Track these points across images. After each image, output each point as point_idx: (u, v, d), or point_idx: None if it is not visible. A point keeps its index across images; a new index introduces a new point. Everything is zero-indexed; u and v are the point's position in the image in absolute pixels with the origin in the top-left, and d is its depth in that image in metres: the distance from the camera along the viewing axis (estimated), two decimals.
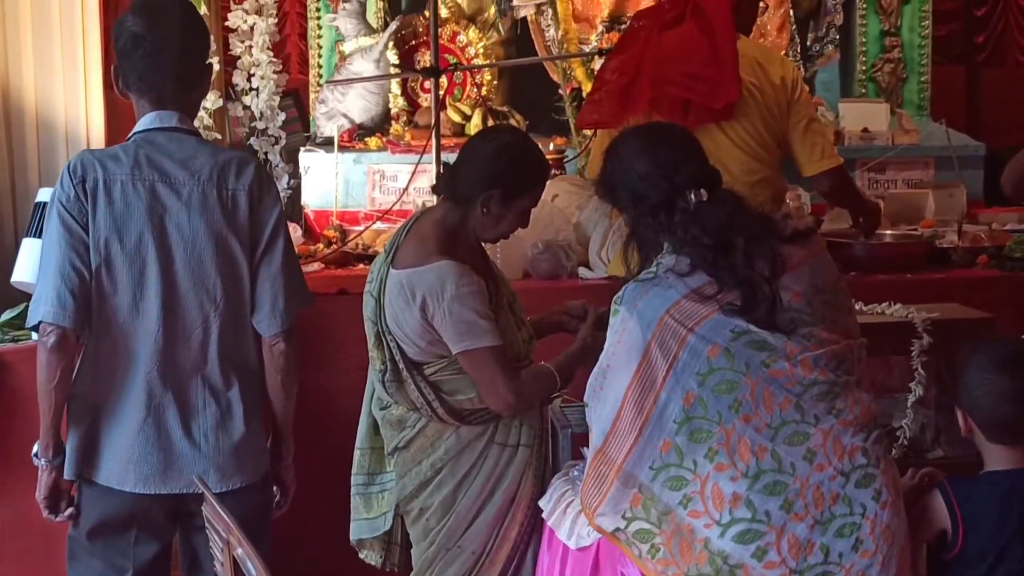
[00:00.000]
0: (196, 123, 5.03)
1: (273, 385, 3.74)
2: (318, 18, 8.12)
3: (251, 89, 5.07)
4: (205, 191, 3.58)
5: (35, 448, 3.65)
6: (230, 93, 5.51)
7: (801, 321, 3.22)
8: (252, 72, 5.09)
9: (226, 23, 5.11)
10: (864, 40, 8.38)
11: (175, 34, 3.60)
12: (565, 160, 6.91)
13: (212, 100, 4.98)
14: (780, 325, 3.19)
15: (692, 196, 3.31)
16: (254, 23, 5.06)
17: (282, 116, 5.09)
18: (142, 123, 3.66)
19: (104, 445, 3.61)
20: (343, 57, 7.76)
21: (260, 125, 5.09)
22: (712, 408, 3.16)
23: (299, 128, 8.04)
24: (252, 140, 5.15)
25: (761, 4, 5.39)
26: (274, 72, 5.05)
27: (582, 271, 5.74)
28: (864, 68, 8.38)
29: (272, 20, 5.12)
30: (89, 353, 3.62)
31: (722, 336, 3.18)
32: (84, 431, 3.62)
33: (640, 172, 3.39)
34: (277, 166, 5.15)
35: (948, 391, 3.47)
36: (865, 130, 7.64)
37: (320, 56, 8.11)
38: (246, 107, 5.12)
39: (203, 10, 4.96)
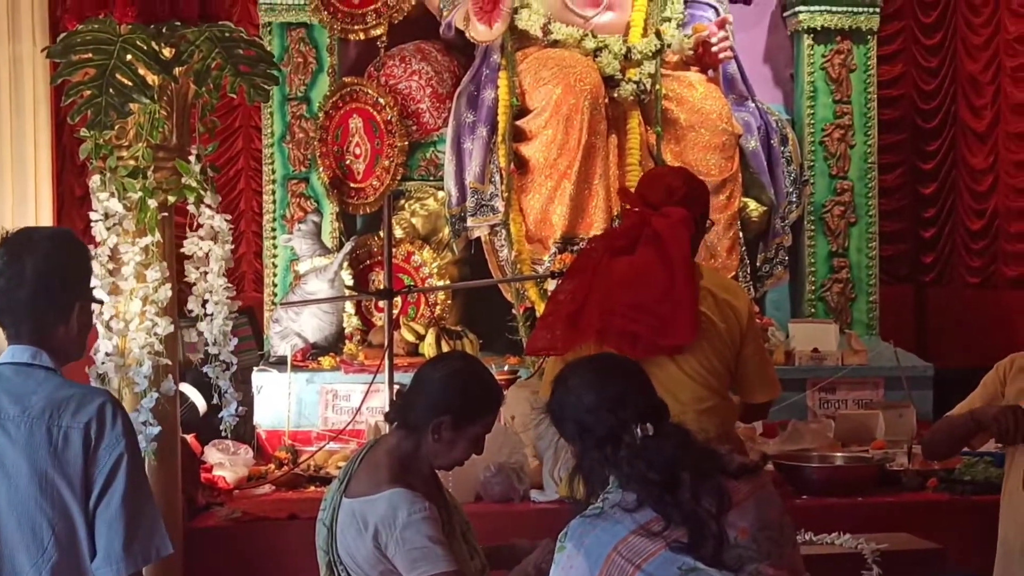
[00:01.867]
0: (145, 349, 5.06)
1: None
2: (273, 238, 8.21)
3: (206, 315, 5.06)
4: (33, 428, 3.37)
5: None
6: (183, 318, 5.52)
7: (748, 558, 3.20)
8: (206, 298, 5.08)
9: (181, 250, 5.11)
10: (813, 261, 8.51)
11: (34, 270, 3.42)
12: (518, 381, 6.93)
13: (163, 326, 4.97)
14: (727, 563, 3.17)
15: (638, 431, 3.29)
16: (209, 249, 5.06)
17: (234, 342, 5.09)
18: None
19: None
20: (298, 276, 7.82)
21: (213, 351, 5.08)
22: None
23: (253, 347, 8.06)
24: (207, 367, 5.14)
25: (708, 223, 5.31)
26: (228, 297, 5.06)
27: (534, 494, 5.74)
28: (813, 288, 8.50)
29: (229, 246, 5.12)
30: None
31: (670, 573, 3.15)
32: None
33: (587, 404, 3.38)
34: (226, 392, 5.12)
35: None
36: (815, 350, 7.68)
37: (275, 275, 8.18)
38: (200, 333, 5.12)
39: (156, 236, 4.97)
